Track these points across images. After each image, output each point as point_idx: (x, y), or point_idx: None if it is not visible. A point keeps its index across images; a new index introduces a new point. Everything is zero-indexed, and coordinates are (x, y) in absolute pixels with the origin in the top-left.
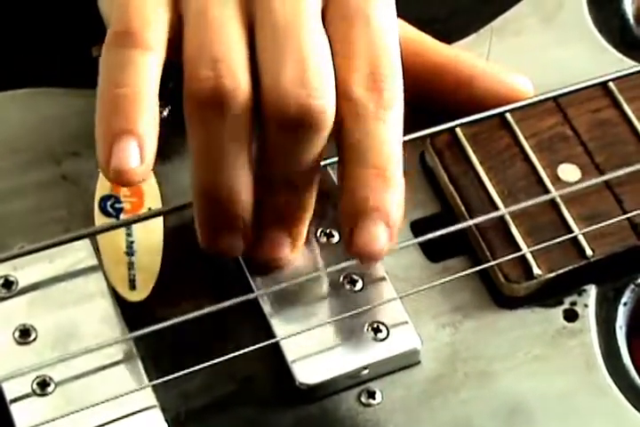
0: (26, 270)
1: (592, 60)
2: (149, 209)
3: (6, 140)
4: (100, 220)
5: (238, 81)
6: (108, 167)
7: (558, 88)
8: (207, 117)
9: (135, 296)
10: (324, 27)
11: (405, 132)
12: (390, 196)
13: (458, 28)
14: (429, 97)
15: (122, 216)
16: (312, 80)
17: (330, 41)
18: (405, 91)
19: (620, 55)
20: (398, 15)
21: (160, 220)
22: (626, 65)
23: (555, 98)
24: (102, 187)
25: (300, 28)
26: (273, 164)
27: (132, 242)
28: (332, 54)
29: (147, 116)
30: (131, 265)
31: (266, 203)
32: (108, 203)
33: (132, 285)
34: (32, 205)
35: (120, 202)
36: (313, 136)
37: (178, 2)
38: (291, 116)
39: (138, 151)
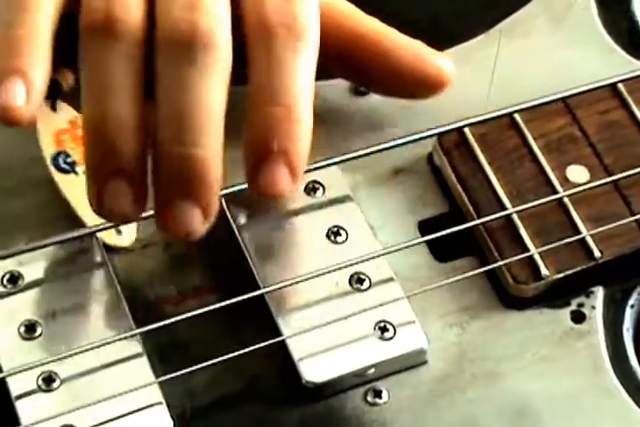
0: (31, 266)
1: (601, 61)
2: None
3: (9, 138)
4: (58, 178)
5: (129, 10)
6: None
7: (567, 89)
8: (98, 45)
9: (124, 241)
10: None
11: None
12: (297, 139)
13: (466, 29)
14: (348, 69)
15: (77, 168)
16: (204, 4)
17: None
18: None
19: (628, 57)
20: (407, 14)
21: None
22: (634, 66)
23: (564, 99)
24: (47, 146)
25: None
26: (166, 102)
27: None
28: None
29: (38, 56)
30: None
31: (161, 161)
32: (60, 160)
33: (118, 230)
34: (39, 202)
35: (69, 155)
36: (206, 58)
37: None
38: (180, 36)
39: (24, 90)
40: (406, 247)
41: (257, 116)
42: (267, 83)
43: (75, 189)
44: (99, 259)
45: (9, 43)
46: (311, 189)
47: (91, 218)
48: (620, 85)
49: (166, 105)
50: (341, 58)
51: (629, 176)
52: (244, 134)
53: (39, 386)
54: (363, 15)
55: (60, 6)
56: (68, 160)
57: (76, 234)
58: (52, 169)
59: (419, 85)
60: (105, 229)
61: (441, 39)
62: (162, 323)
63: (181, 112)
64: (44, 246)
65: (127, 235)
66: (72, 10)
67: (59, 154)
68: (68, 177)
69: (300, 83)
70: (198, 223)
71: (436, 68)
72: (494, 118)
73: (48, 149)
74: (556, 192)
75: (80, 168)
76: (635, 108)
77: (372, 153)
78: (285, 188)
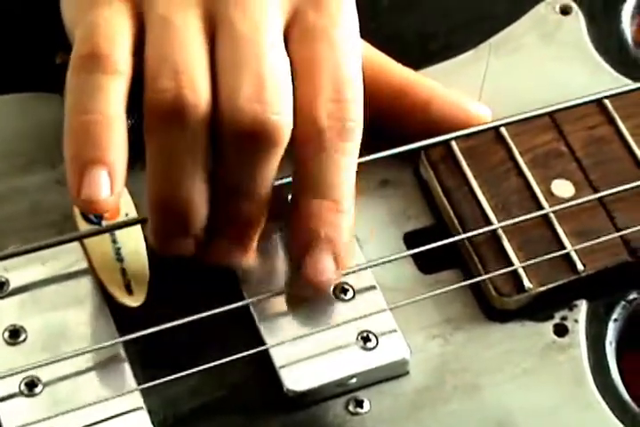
0: (18, 272)
1: (589, 78)
2: (126, 215)
3: (3, 144)
4: (83, 227)
5: (199, 93)
6: (79, 196)
7: (554, 104)
8: (166, 129)
9: (133, 301)
10: (286, 45)
11: (369, 153)
12: (342, 228)
13: (457, 44)
14: (387, 120)
15: (103, 223)
16: (269, 96)
17: (291, 60)
18: (364, 113)
19: (616, 74)
20: (395, 29)
21: (139, 227)
22: (622, 84)
23: (550, 114)
24: None
25: (260, 43)
26: (227, 177)
27: (118, 248)
28: (294, 73)
29: (117, 144)
30: (123, 271)
31: (219, 211)
32: None
33: (129, 290)
34: (26, 208)
35: None
36: (267, 151)
37: (140, 11)
38: (245, 131)
39: (108, 181)
40: (389, 261)
41: (304, 207)
42: (315, 179)
43: (94, 240)
44: (84, 265)
45: (88, 131)
46: None
47: (110, 280)
48: (607, 101)
49: (227, 185)
50: (379, 109)
51: (614, 193)
52: (291, 226)
53: (21, 391)
54: (398, 66)
55: (128, 77)
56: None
57: (61, 238)
58: (79, 217)
59: (454, 130)
60: (91, 235)
61: (431, 54)
62: (144, 331)
63: (237, 200)
64: (30, 252)
65: (137, 295)
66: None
67: None
68: (92, 228)
69: (345, 179)
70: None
71: (476, 114)
72: (481, 131)
73: None
74: (541, 206)
75: (105, 223)
76: (621, 124)
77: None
78: (331, 276)
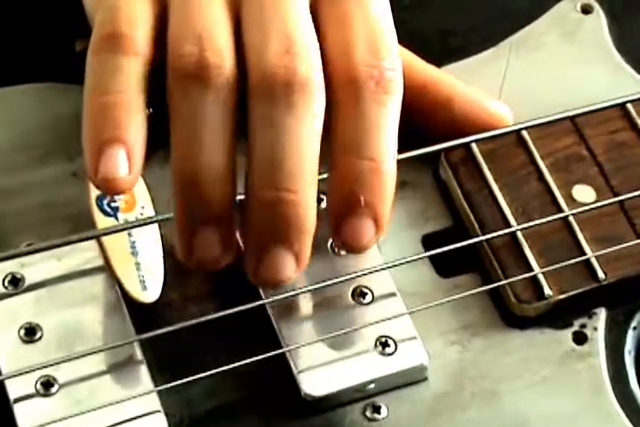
0: (33, 268)
1: (610, 79)
2: (142, 208)
3: (20, 136)
4: (99, 219)
5: (222, 55)
6: (96, 175)
7: (576, 107)
8: (190, 92)
9: (147, 297)
10: (316, 8)
11: None
12: (382, 192)
13: (477, 42)
14: (409, 116)
15: (119, 215)
16: (298, 48)
17: (322, 20)
18: None
19: (638, 76)
20: (416, 27)
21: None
22: None
23: (572, 117)
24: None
25: (287, 5)
26: (261, 146)
27: (134, 242)
28: (325, 32)
29: (136, 124)
30: (138, 265)
31: (255, 206)
32: (105, 202)
33: (143, 285)
34: (42, 202)
35: (115, 201)
36: (303, 103)
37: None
38: (279, 82)
39: (126, 160)
40: (408, 262)
41: (343, 168)
42: (353, 135)
43: (111, 236)
44: (100, 263)
45: (106, 111)
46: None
47: (124, 275)
48: (629, 106)
49: (261, 150)
50: (404, 107)
51: (636, 197)
52: (329, 185)
53: (37, 390)
54: (422, 63)
55: (149, 60)
56: (113, 205)
57: (77, 237)
58: (95, 209)
59: (479, 130)
60: (108, 233)
61: (451, 52)
62: (161, 330)
63: (277, 157)
64: (47, 249)
65: (152, 291)
66: (158, 58)
67: (105, 196)
68: (108, 220)
69: (386, 136)
70: (291, 270)
71: (495, 113)
72: (502, 135)
73: (95, 190)
74: (561, 211)
75: (121, 215)
76: None
77: None
78: (370, 241)
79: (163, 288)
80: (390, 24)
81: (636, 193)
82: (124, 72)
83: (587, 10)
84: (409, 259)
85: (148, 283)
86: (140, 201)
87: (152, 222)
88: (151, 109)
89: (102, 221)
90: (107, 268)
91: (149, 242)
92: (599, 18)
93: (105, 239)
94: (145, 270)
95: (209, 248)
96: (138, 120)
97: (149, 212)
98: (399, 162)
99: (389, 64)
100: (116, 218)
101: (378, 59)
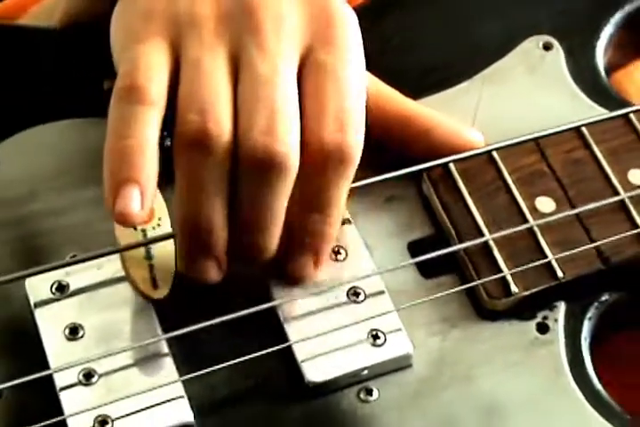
0: (77, 276)
1: (568, 106)
2: (159, 219)
3: (59, 164)
4: (119, 230)
5: (221, 126)
6: (113, 210)
7: (538, 131)
8: (191, 156)
9: (158, 294)
10: (299, 78)
11: (376, 173)
12: (327, 237)
13: (453, 76)
14: (393, 144)
15: (138, 227)
16: (279, 130)
17: (302, 93)
18: (375, 138)
19: (591, 102)
20: (403, 65)
21: (168, 226)
22: (596, 111)
23: (535, 139)
24: None
25: (276, 84)
26: (243, 209)
27: (149, 249)
28: (303, 105)
29: (148, 166)
30: (151, 267)
31: (238, 242)
32: None
33: (155, 284)
34: (83, 219)
35: None
36: (277, 179)
37: (178, 53)
38: (258, 159)
39: (139, 197)
40: (396, 268)
41: (301, 219)
42: (313, 196)
43: (126, 234)
44: None
45: (124, 154)
46: None
47: (137, 275)
48: (584, 128)
49: (244, 212)
50: (386, 136)
51: (589, 208)
52: (285, 229)
53: (80, 380)
54: (402, 97)
55: (162, 107)
56: None
57: (114, 249)
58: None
59: (453, 154)
60: (143, 244)
61: (428, 86)
62: (185, 330)
63: (254, 220)
64: (88, 260)
65: (161, 289)
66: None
67: None
68: (127, 230)
69: (339, 198)
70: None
71: (470, 140)
72: (475, 155)
73: None
74: (526, 220)
75: (139, 227)
76: (595, 148)
77: (367, 183)
78: (310, 274)
79: (175, 287)
80: (361, 100)
81: (590, 205)
82: (140, 120)
83: (548, 46)
84: (398, 266)
85: (158, 282)
86: (158, 213)
87: (169, 238)
88: (170, 141)
89: (121, 232)
90: (123, 268)
91: (164, 249)
92: (558, 53)
93: (121, 242)
94: (157, 271)
95: (209, 272)
96: (150, 162)
97: (166, 222)
98: (388, 179)
99: (353, 142)
100: (135, 228)
101: (344, 139)
